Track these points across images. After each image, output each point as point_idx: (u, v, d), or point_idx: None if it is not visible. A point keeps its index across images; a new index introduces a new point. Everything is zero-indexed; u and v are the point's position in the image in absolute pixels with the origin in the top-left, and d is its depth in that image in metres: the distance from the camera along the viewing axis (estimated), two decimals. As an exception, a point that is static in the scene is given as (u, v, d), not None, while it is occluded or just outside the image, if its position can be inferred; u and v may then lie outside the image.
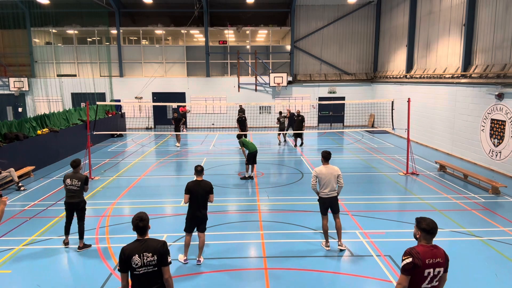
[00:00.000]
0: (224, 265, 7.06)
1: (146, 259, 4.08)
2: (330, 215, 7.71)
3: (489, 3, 14.42)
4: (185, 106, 23.95)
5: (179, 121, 19.19)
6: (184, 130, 23.27)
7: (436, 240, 8.37)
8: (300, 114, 18.49)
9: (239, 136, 13.51)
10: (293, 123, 18.89)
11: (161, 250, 4.13)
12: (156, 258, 4.10)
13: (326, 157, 7.54)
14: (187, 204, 6.92)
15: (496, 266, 6.96)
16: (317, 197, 7.62)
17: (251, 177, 12.87)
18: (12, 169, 11.89)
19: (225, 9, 25.91)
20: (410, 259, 3.88)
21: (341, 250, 7.53)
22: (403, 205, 10.40)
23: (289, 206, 10.17)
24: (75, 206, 7.64)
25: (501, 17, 13.74)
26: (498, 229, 8.62)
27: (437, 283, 4.00)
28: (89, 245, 7.83)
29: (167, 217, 9.53)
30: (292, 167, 14.82)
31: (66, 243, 7.82)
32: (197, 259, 7.13)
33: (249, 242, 8.07)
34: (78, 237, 7.72)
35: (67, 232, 7.80)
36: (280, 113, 20.10)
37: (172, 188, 12.09)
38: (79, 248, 7.70)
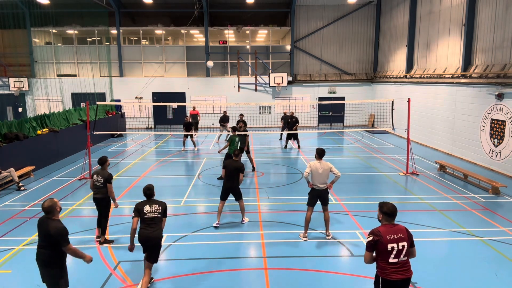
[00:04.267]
0: (224, 265, 7.06)
1: (154, 208, 6.10)
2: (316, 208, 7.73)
3: (489, 3, 14.42)
4: (195, 109, 21.26)
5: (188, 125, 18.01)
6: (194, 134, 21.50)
7: (436, 240, 8.40)
8: (294, 115, 18.37)
9: (234, 129, 13.24)
10: (287, 124, 18.75)
11: (164, 204, 6.23)
12: (161, 208, 6.13)
13: (320, 154, 8.04)
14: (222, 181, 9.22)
15: (496, 266, 6.96)
16: (309, 190, 8.15)
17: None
18: (12, 169, 11.89)
19: (225, 9, 25.90)
20: (371, 237, 4.47)
21: (327, 239, 8.10)
22: (403, 205, 10.39)
23: (289, 206, 10.18)
24: (98, 202, 7.91)
25: (501, 17, 13.74)
26: (498, 229, 8.62)
27: (405, 258, 4.47)
28: (112, 241, 8.06)
29: (167, 217, 9.50)
30: (292, 167, 14.82)
31: (98, 236, 8.12)
32: (242, 219, 9.07)
33: (249, 242, 8.07)
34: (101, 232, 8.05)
35: (99, 225, 8.08)
36: (225, 111, 19.88)
37: (172, 188, 12.09)
38: (100, 243, 7.95)
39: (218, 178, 12.88)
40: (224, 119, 20.27)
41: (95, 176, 7.91)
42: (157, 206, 6.10)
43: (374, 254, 4.56)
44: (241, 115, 18.70)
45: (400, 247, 4.45)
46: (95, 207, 8.08)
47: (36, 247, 5.23)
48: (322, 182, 7.87)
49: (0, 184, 11.80)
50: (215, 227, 8.69)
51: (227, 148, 13.07)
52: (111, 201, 7.96)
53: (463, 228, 8.67)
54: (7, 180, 11.99)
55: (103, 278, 6.58)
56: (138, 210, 6.07)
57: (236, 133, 13.05)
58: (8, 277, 6.70)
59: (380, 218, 4.66)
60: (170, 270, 6.94)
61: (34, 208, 10.17)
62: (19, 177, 12.56)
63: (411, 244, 4.56)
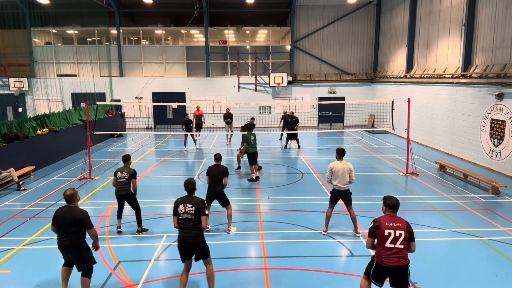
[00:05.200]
0: (224, 265, 7.06)
1: (187, 208, 5.79)
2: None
3: (489, 3, 14.42)
4: (199, 109, 20.75)
5: (186, 124, 17.90)
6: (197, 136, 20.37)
7: (436, 240, 8.39)
8: (294, 115, 18.34)
9: (248, 128, 13.13)
10: (287, 124, 18.71)
11: (198, 204, 5.81)
12: (194, 209, 5.77)
13: (340, 153, 8.16)
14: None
15: (496, 266, 6.96)
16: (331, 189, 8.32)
17: (257, 178, 12.68)
18: (12, 169, 11.89)
19: (225, 9, 25.90)
20: (371, 224, 5.07)
21: (356, 236, 8.22)
22: (403, 205, 10.28)
23: (289, 206, 10.17)
24: (123, 198, 8.33)
25: (501, 17, 13.74)
26: (498, 229, 8.62)
27: (401, 245, 4.88)
28: (146, 229, 8.57)
29: (167, 217, 9.52)
30: (292, 167, 14.82)
31: (118, 226, 8.54)
32: (228, 228, 8.53)
33: (249, 242, 8.07)
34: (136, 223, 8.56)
35: (119, 217, 8.59)
36: (227, 108, 19.42)
37: (172, 188, 12.09)
38: (138, 231, 8.44)
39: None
40: (227, 116, 19.98)
41: (118, 173, 8.29)
42: (190, 206, 5.78)
43: (375, 241, 5.04)
44: (252, 118, 18.53)
45: (397, 235, 4.89)
46: (117, 202, 8.53)
47: (58, 237, 5.67)
48: (344, 182, 7.95)
49: (0, 184, 11.80)
50: (206, 231, 8.47)
51: (247, 149, 12.71)
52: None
53: (463, 228, 8.67)
54: (7, 180, 12.00)
55: (103, 278, 6.58)
56: (174, 209, 5.89)
57: (241, 132, 12.94)
58: (8, 277, 6.70)
59: (383, 210, 5.21)
60: (170, 270, 6.94)
61: (34, 208, 10.17)
62: (19, 177, 12.55)
63: (410, 238, 4.95)
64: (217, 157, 8.62)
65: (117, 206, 8.65)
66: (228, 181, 8.57)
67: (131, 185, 8.28)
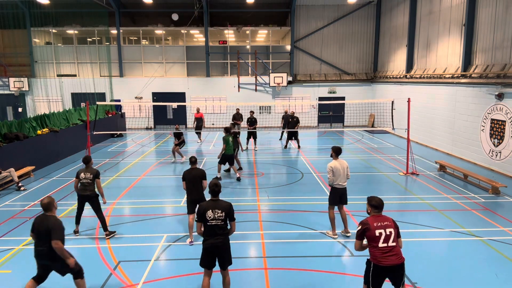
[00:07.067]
0: (224, 265, 7.05)
1: (217, 214, 5.51)
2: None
3: (489, 3, 14.42)
4: (199, 112, 20.36)
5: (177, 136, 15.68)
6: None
7: (436, 240, 8.39)
8: (295, 115, 18.31)
9: (226, 130, 12.88)
10: (287, 124, 18.64)
11: (227, 208, 5.56)
12: (224, 214, 5.52)
13: (337, 152, 8.09)
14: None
15: (496, 266, 6.95)
16: (329, 190, 8.27)
17: (219, 178, 12.48)
18: (12, 169, 11.88)
19: (225, 9, 25.91)
20: (359, 227, 5.05)
21: (347, 236, 8.15)
22: (403, 205, 10.40)
23: (289, 206, 10.17)
24: (87, 199, 8.07)
25: (501, 17, 13.74)
26: (498, 229, 8.62)
27: (394, 243, 4.94)
28: (114, 232, 8.36)
29: (167, 217, 9.53)
30: (292, 167, 14.82)
31: (76, 231, 8.36)
32: None
33: (249, 242, 8.07)
34: (99, 227, 8.36)
35: (77, 221, 8.35)
36: (237, 108, 19.66)
37: (172, 188, 12.08)
38: (106, 235, 8.20)
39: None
40: (236, 117, 19.70)
41: (82, 174, 8.05)
42: (220, 212, 5.51)
43: (364, 242, 5.07)
44: (252, 112, 18.75)
45: (388, 233, 4.93)
46: (78, 204, 8.22)
47: (34, 245, 5.46)
48: (344, 180, 7.99)
49: (0, 184, 11.80)
50: (190, 245, 7.83)
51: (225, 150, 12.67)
52: (100, 197, 8.21)
53: (463, 228, 8.67)
54: (7, 180, 11.99)
55: (103, 278, 6.58)
56: (201, 215, 5.54)
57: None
58: (8, 277, 6.70)
59: (369, 211, 5.20)
60: (170, 270, 6.94)
61: (34, 208, 10.17)
62: (19, 177, 12.55)
63: (397, 235, 5.02)
64: (193, 161, 8.27)
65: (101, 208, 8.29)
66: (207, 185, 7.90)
67: (97, 185, 8.07)
